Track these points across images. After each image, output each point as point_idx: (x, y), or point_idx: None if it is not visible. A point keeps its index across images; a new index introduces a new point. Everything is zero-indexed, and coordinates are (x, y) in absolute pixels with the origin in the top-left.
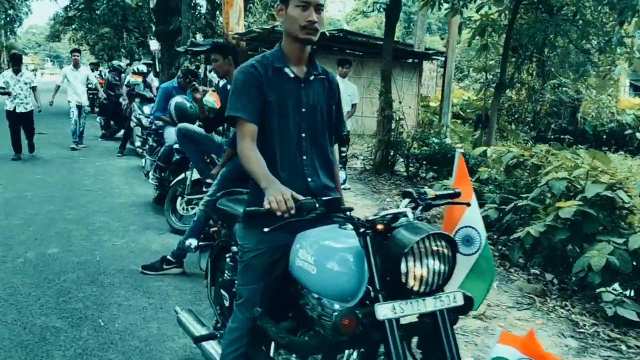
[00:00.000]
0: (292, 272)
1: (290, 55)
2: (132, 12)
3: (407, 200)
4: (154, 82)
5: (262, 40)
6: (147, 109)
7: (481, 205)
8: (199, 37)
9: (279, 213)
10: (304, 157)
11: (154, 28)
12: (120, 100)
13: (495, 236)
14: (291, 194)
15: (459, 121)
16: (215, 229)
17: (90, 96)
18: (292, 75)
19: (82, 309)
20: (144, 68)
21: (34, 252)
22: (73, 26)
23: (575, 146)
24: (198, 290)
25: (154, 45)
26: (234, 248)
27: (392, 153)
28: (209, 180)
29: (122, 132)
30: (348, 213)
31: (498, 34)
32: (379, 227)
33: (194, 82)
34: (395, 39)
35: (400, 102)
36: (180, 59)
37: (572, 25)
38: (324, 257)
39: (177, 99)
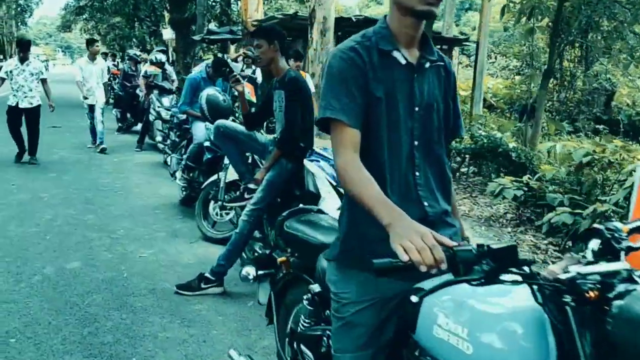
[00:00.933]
0: (420, 341)
1: (399, 34)
2: (143, 0)
3: (595, 243)
4: (173, 74)
5: (283, 28)
6: (166, 100)
7: (548, 208)
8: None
9: (423, 268)
10: (417, 174)
11: (166, 17)
12: (137, 91)
13: (568, 245)
14: (432, 234)
15: (486, 110)
16: (283, 258)
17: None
18: (403, 61)
19: (111, 343)
20: (162, 57)
21: (53, 268)
22: (84, 16)
23: (610, 136)
24: (244, 315)
25: (167, 34)
26: (314, 287)
27: None
28: (251, 186)
29: (139, 125)
30: (527, 268)
31: (544, 16)
32: (591, 294)
33: (235, 73)
34: None
35: None
36: (196, 48)
37: (622, 7)
38: (488, 330)
39: (209, 91)
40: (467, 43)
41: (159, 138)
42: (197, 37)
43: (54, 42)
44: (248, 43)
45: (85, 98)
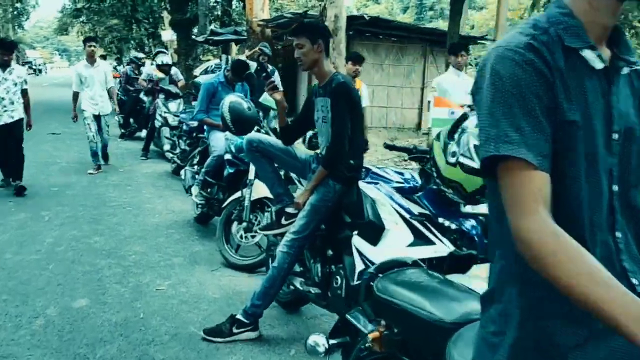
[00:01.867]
0: None
1: (591, 23)
2: (141, 2)
3: None
4: (179, 74)
5: (287, 27)
6: (173, 105)
7: None
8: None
9: None
10: (618, 236)
11: (165, 18)
12: (141, 95)
13: None
14: None
15: None
16: (376, 334)
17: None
18: (599, 64)
19: None
20: (168, 59)
21: (57, 307)
22: (81, 19)
23: None
24: None
25: (166, 35)
26: None
27: None
28: (290, 210)
29: (144, 132)
30: None
31: None
32: None
33: (272, 79)
34: (407, 23)
35: None
36: (198, 50)
37: None
38: None
39: (232, 97)
40: (483, 41)
41: (166, 147)
42: (200, 39)
43: (50, 45)
44: (253, 44)
45: (83, 110)
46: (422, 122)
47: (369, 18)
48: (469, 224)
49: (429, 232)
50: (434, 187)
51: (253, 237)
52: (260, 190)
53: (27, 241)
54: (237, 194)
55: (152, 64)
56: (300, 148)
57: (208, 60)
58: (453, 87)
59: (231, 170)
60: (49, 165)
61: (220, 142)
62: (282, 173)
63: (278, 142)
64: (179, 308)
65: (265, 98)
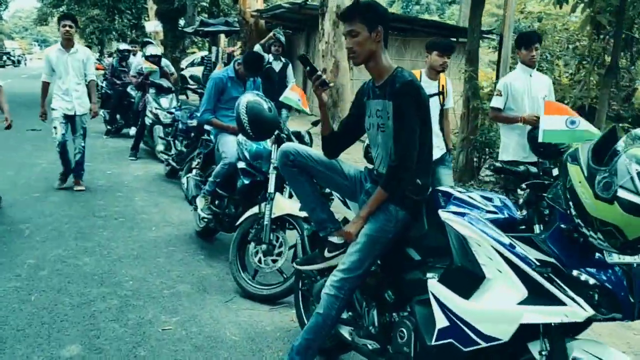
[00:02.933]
0: None
1: None
2: None
3: None
4: (170, 67)
5: (286, 19)
6: (165, 101)
7: None
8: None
9: None
10: None
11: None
12: (128, 89)
13: None
14: None
15: None
16: None
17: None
18: None
19: None
20: (157, 51)
21: (42, 358)
22: (62, 8)
23: None
24: None
25: (150, 26)
26: None
27: (478, 156)
28: (335, 240)
29: (133, 130)
30: None
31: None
32: None
33: (319, 73)
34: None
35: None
36: (185, 41)
37: None
38: None
39: (249, 97)
40: (488, 36)
41: (160, 147)
42: (189, 29)
43: (30, 35)
44: (245, 36)
45: (52, 109)
46: None
47: None
48: (614, 278)
49: (557, 288)
50: (563, 225)
51: (274, 261)
52: (282, 205)
53: (5, 263)
54: (254, 210)
55: (142, 55)
56: (347, 162)
57: (193, 52)
58: (526, 90)
59: (246, 182)
60: (28, 166)
61: (231, 147)
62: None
63: (320, 155)
64: (193, 356)
65: (287, 97)
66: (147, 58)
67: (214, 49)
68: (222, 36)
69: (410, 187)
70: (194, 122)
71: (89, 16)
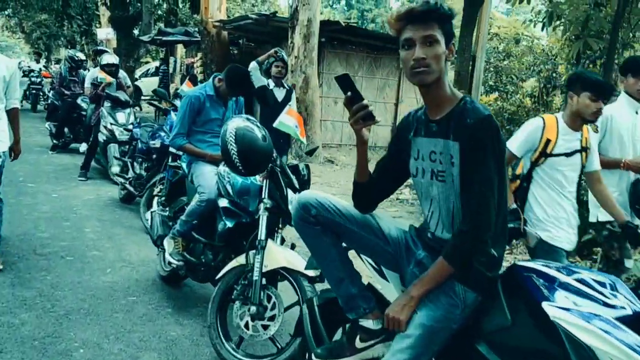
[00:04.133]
0: None
1: None
2: None
3: None
4: (127, 79)
5: (250, 31)
6: (121, 116)
7: None
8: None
9: None
10: None
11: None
12: (79, 101)
13: None
14: None
15: None
16: None
17: (34, 92)
18: None
19: None
20: (114, 60)
21: None
22: (7, 12)
23: None
24: None
25: (102, 34)
26: None
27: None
28: (370, 325)
29: (83, 145)
30: None
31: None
32: None
33: (367, 104)
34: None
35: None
36: (140, 50)
37: None
38: None
39: (238, 122)
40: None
41: (115, 169)
42: (145, 38)
43: None
44: (207, 47)
45: None
46: None
47: (345, 25)
48: None
49: None
50: None
51: (265, 327)
52: (276, 256)
53: None
54: (240, 260)
55: (95, 67)
56: (385, 216)
57: (147, 62)
58: (629, 128)
59: (229, 224)
60: None
61: (209, 180)
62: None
63: (349, 207)
64: None
65: (283, 122)
66: (103, 68)
67: (171, 59)
68: (180, 46)
69: (482, 258)
70: (157, 143)
71: (36, 21)
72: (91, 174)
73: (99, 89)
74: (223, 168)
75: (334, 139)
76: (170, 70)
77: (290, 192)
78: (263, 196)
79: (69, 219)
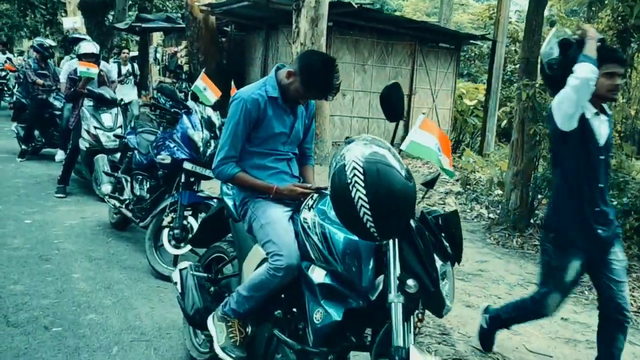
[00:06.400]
0: None
1: None
2: None
3: None
4: (112, 72)
5: (241, 16)
6: (107, 118)
7: None
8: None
9: None
10: None
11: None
12: (51, 99)
13: None
14: None
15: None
16: None
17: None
18: None
19: None
20: (95, 49)
21: None
22: None
23: None
24: None
25: (68, 23)
26: None
27: (533, 195)
28: None
29: (59, 154)
30: None
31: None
32: None
33: None
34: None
35: (433, 101)
36: (114, 39)
37: None
38: None
39: (360, 148)
40: (476, 42)
41: (106, 188)
42: (121, 25)
43: None
44: (193, 35)
45: None
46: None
47: (357, 6)
48: None
49: None
50: None
51: None
52: None
53: None
54: None
55: (71, 58)
56: None
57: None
58: None
59: (336, 316)
60: None
61: (284, 233)
62: None
63: None
64: None
65: (416, 143)
66: (81, 58)
67: (151, 48)
68: (156, 34)
69: None
70: (166, 159)
71: None
72: (71, 187)
73: (79, 86)
74: (310, 213)
75: (342, 136)
76: (150, 59)
77: (437, 259)
78: (390, 267)
79: (50, 258)
